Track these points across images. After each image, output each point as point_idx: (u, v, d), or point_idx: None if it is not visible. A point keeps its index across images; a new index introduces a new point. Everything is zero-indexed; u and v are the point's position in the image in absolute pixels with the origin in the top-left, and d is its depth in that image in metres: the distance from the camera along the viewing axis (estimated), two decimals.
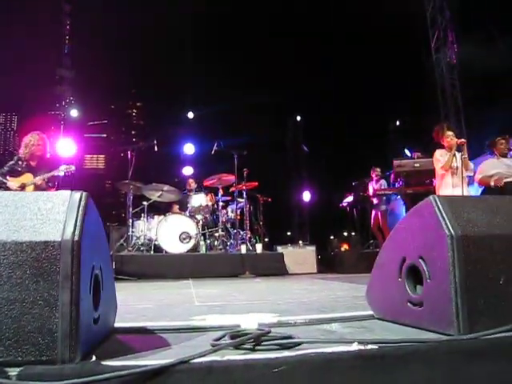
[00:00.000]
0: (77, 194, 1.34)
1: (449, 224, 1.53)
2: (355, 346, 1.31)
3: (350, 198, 9.85)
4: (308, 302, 3.03)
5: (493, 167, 5.78)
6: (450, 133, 5.64)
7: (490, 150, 6.05)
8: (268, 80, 13.40)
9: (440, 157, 5.60)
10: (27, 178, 5.56)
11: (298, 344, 1.36)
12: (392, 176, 8.68)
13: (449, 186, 5.49)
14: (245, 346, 1.31)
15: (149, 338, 1.67)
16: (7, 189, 5.36)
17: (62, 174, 5.74)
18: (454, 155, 5.49)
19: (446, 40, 12.19)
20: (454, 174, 5.47)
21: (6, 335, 1.19)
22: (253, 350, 1.30)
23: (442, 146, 5.70)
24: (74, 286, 1.21)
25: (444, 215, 1.56)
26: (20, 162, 5.65)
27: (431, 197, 1.64)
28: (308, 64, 13.41)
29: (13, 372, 1.12)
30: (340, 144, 13.90)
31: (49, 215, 1.29)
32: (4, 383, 1.09)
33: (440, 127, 5.76)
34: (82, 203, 1.32)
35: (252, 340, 1.33)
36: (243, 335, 1.36)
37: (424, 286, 1.61)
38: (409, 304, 1.68)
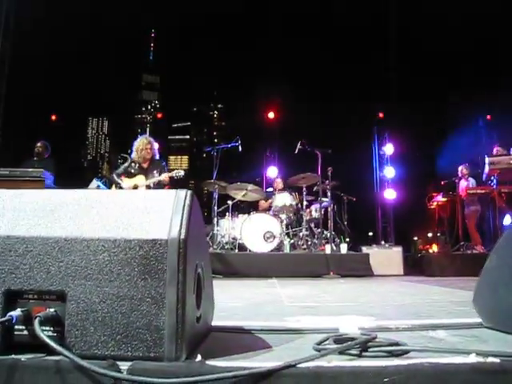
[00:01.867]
0: (182, 193, 1.35)
1: None
2: (473, 358, 1.21)
3: (439, 197, 9.41)
4: (403, 306, 2.91)
5: None
6: None
7: None
8: (355, 78, 13.13)
9: None
10: (140, 179, 6.02)
11: (407, 351, 1.28)
12: (485, 174, 8.19)
13: None
14: (351, 352, 1.25)
15: (247, 338, 1.66)
16: (121, 189, 5.80)
17: (173, 176, 6.10)
18: None
19: None
20: None
21: (117, 330, 1.22)
22: (360, 356, 1.24)
23: None
24: (180, 284, 1.22)
25: None
26: (133, 164, 6.14)
27: None
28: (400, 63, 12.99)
29: (124, 366, 1.15)
30: (426, 142, 13.36)
31: (156, 213, 1.31)
32: (116, 376, 1.12)
33: None
34: (188, 202, 1.33)
35: (359, 345, 1.27)
36: (348, 340, 1.31)
37: None
38: None
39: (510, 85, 11.47)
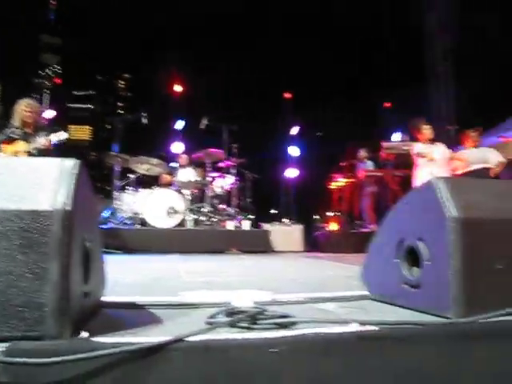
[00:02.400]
0: (69, 162, 1.27)
1: (451, 206, 1.49)
2: (354, 327, 1.28)
3: (338, 178, 9.84)
4: (299, 280, 3.02)
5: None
6: (426, 126, 5.77)
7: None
8: (261, 55, 13.20)
9: (419, 149, 5.70)
10: (21, 145, 5.45)
11: (296, 323, 1.32)
12: (381, 158, 8.69)
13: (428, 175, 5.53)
14: (241, 325, 1.27)
15: (139, 313, 1.62)
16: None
17: (54, 140, 5.58)
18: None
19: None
20: (435, 165, 5.52)
21: None
22: (249, 328, 1.27)
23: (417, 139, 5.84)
24: (64, 258, 1.15)
25: (446, 197, 1.52)
26: (15, 130, 5.54)
27: (433, 178, 1.60)
28: (303, 40, 13.20)
29: (1, 348, 1.07)
30: (330, 123, 13.84)
31: (39, 183, 1.22)
32: None
33: (417, 120, 5.87)
34: (74, 171, 1.25)
35: (248, 318, 1.29)
36: (239, 313, 1.32)
37: (422, 269, 1.58)
38: (405, 286, 1.66)
39: (407, 73, 12.21)
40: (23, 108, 5.59)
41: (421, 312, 1.57)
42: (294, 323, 1.32)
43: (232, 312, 1.34)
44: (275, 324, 1.29)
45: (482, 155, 6.20)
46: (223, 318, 1.31)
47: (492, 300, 1.50)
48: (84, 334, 1.19)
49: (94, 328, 1.26)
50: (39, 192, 1.19)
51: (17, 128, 5.55)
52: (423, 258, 1.57)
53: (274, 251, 7.02)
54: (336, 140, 12.41)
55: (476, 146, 6.41)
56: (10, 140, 5.47)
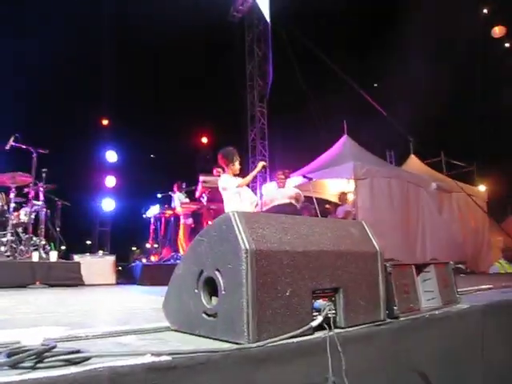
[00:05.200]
0: None
1: (244, 238, 1.62)
2: (148, 358, 1.29)
3: (155, 210, 9.84)
4: (104, 314, 2.90)
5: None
6: (236, 158, 5.47)
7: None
8: (79, 78, 12.63)
9: (227, 182, 5.38)
10: None
11: (88, 358, 1.28)
12: (197, 191, 8.94)
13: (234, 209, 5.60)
14: (24, 365, 1.18)
15: None
16: None
17: None
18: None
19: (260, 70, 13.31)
20: (241, 200, 5.33)
21: None
22: (33, 368, 1.18)
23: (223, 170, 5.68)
24: None
25: (241, 230, 1.64)
26: None
27: (230, 212, 1.72)
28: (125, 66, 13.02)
29: None
30: (147, 157, 13.81)
31: None
32: None
33: (232, 151, 5.44)
34: None
35: (33, 357, 1.20)
36: (22, 352, 1.23)
37: (219, 298, 1.67)
38: (204, 315, 1.72)
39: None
40: None
41: (219, 340, 1.65)
42: (86, 359, 1.28)
43: (15, 352, 1.24)
44: (64, 361, 1.23)
45: (285, 192, 6.86)
46: (2, 359, 1.20)
47: (280, 324, 1.65)
48: None
49: None
50: None
51: None
52: (220, 288, 1.66)
53: (84, 284, 6.63)
54: (155, 170, 12.44)
55: (283, 186, 7.09)
56: None
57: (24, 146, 7.11)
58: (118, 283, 7.44)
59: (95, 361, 1.27)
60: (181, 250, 9.02)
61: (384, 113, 11.59)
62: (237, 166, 5.43)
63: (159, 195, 9.93)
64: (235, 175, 5.41)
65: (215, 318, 1.68)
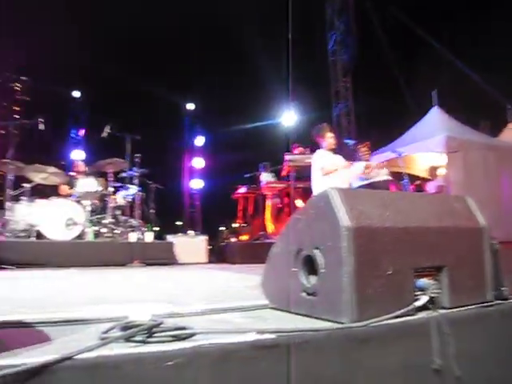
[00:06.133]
0: None
1: (344, 215, 1.57)
2: (252, 336, 1.29)
3: (242, 190, 9.98)
4: (201, 292, 2.99)
5: None
6: (330, 134, 5.60)
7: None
8: (164, 65, 13.03)
9: (321, 158, 5.50)
10: None
11: (193, 335, 1.30)
12: (283, 170, 8.93)
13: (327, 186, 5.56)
14: (136, 339, 1.23)
15: (27, 332, 1.51)
16: None
17: None
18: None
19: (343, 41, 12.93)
20: (334, 176, 5.36)
21: None
22: (144, 342, 1.23)
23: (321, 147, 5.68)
24: None
25: (339, 207, 1.59)
26: None
27: (328, 189, 1.67)
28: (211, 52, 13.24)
29: None
30: (233, 138, 13.98)
31: None
32: None
33: (321, 127, 5.64)
34: None
35: (144, 332, 1.25)
36: (134, 327, 1.28)
37: (318, 276, 1.64)
38: (303, 293, 1.70)
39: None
40: None
41: (318, 319, 1.62)
42: (191, 335, 1.30)
43: (127, 326, 1.29)
44: (172, 336, 1.26)
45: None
46: (117, 333, 1.26)
47: (382, 304, 1.59)
48: None
49: None
50: None
51: None
52: (319, 266, 1.63)
53: (178, 263, 6.92)
54: (241, 151, 12.58)
55: (368, 160, 6.71)
56: None
57: (118, 134, 7.49)
58: (209, 262, 7.67)
59: (200, 337, 1.29)
60: (269, 229, 9.10)
61: (478, 79, 10.79)
62: (331, 140, 5.51)
63: (246, 175, 10.04)
64: (330, 150, 5.50)
65: (315, 297, 1.66)
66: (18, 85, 8.72)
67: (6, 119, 8.20)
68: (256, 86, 13.20)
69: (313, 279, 1.68)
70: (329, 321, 1.56)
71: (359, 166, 5.67)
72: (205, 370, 1.19)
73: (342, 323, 1.51)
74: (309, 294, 1.68)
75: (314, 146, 6.11)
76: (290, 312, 1.78)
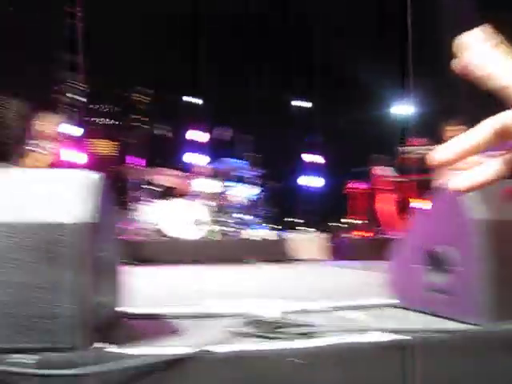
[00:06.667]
0: (92, 175, 1.28)
1: (479, 209, 1.45)
2: (381, 336, 1.25)
3: (355, 184, 9.77)
4: (322, 289, 2.97)
5: None
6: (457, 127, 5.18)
7: None
8: (275, 64, 13.29)
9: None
10: (38, 158, 5.64)
11: (320, 332, 1.29)
12: (401, 162, 8.58)
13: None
14: (263, 335, 1.25)
15: (161, 324, 1.61)
16: None
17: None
18: None
19: None
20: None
21: (20, 321, 1.13)
22: (271, 338, 1.24)
23: None
24: (83, 269, 1.15)
25: (474, 200, 1.48)
26: (33, 142, 5.74)
27: None
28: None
29: (31, 360, 1.07)
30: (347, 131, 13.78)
31: (59, 195, 1.22)
32: (22, 372, 1.04)
33: (451, 121, 5.40)
34: (96, 184, 1.25)
35: (270, 328, 1.26)
36: (261, 322, 1.30)
37: (450, 274, 1.54)
38: (432, 292, 1.61)
39: None
40: (38, 121, 5.80)
41: (448, 318, 1.53)
42: (317, 333, 1.29)
43: (253, 322, 1.32)
44: (298, 333, 1.26)
45: None
46: (245, 328, 1.29)
47: None
48: (107, 345, 1.18)
49: (116, 339, 1.25)
50: (60, 204, 1.19)
51: (34, 141, 5.72)
52: (451, 264, 1.53)
53: (296, 260, 6.96)
54: (355, 146, 12.35)
55: None
56: (30, 152, 5.63)
57: (234, 135, 7.76)
58: (326, 259, 7.61)
59: (326, 335, 1.28)
60: (386, 225, 8.80)
61: None
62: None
63: (359, 169, 9.81)
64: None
65: (445, 296, 1.56)
66: (140, 95, 9.39)
67: (131, 128, 8.87)
68: (369, 77, 12.89)
69: (443, 277, 1.58)
70: (461, 322, 1.46)
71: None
72: (331, 368, 1.17)
73: (477, 325, 1.40)
74: (438, 293, 1.58)
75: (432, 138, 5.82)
76: (415, 310, 1.70)
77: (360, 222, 10.02)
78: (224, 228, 7.19)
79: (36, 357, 1.08)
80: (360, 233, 9.41)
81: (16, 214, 1.18)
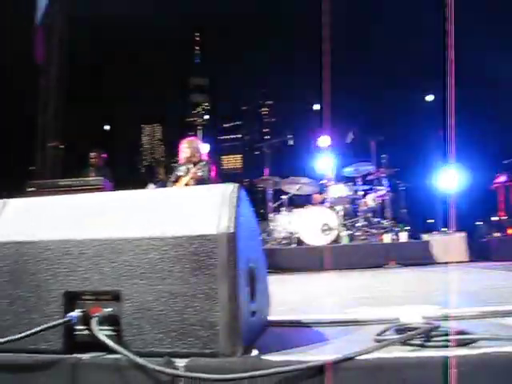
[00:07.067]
0: (230, 186, 1.34)
1: None
2: None
3: (502, 178, 8.93)
4: (469, 293, 2.77)
5: None
6: None
7: None
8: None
9: None
10: (184, 180, 6.12)
11: (476, 340, 1.20)
12: None
13: None
14: (413, 342, 1.19)
15: (304, 331, 1.62)
16: None
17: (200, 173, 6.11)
18: None
19: None
20: None
21: (172, 327, 1.22)
22: (423, 346, 1.18)
23: None
24: (231, 278, 1.21)
25: None
26: (180, 167, 6.26)
27: None
28: None
29: (180, 363, 1.15)
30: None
31: (204, 208, 1.30)
32: (173, 373, 1.12)
33: None
34: (235, 195, 1.31)
35: (421, 335, 1.20)
36: (410, 330, 1.25)
37: None
38: None
39: None
40: (185, 146, 6.28)
41: None
42: (474, 341, 1.20)
43: (402, 329, 1.27)
44: (452, 341, 1.19)
45: None
46: (393, 335, 1.25)
47: None
48: (255, 352, 1.22)
49: (262, 346, 1.29)
50: (205, 217, 1.28)
51: (181, 165, 6.23)
52: None
53: (435, 263, 6.59)
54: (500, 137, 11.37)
55: None
56: (178, 178, 6.15)
57: (361, 137, 7.62)
58: (470, 260, 7.09)
59: (483, 344, 1.18)
60: None
61: None
62: None
63: (506, 161, 8.97)
64: None
65: None
66: (265, 109, 9.73)
67: (259, 141, 9.21)
68: None
69: None
70: None
71: None
72: (491, 380, 1.08)
73: None
74: None
75: None
76: None
77: (507, 218, 9.17)
78: (357, 232, 7.09)
79: (185, 360, 1.16)
80: (510, 231, 8.60)
81: (163, 228, 1.28)
